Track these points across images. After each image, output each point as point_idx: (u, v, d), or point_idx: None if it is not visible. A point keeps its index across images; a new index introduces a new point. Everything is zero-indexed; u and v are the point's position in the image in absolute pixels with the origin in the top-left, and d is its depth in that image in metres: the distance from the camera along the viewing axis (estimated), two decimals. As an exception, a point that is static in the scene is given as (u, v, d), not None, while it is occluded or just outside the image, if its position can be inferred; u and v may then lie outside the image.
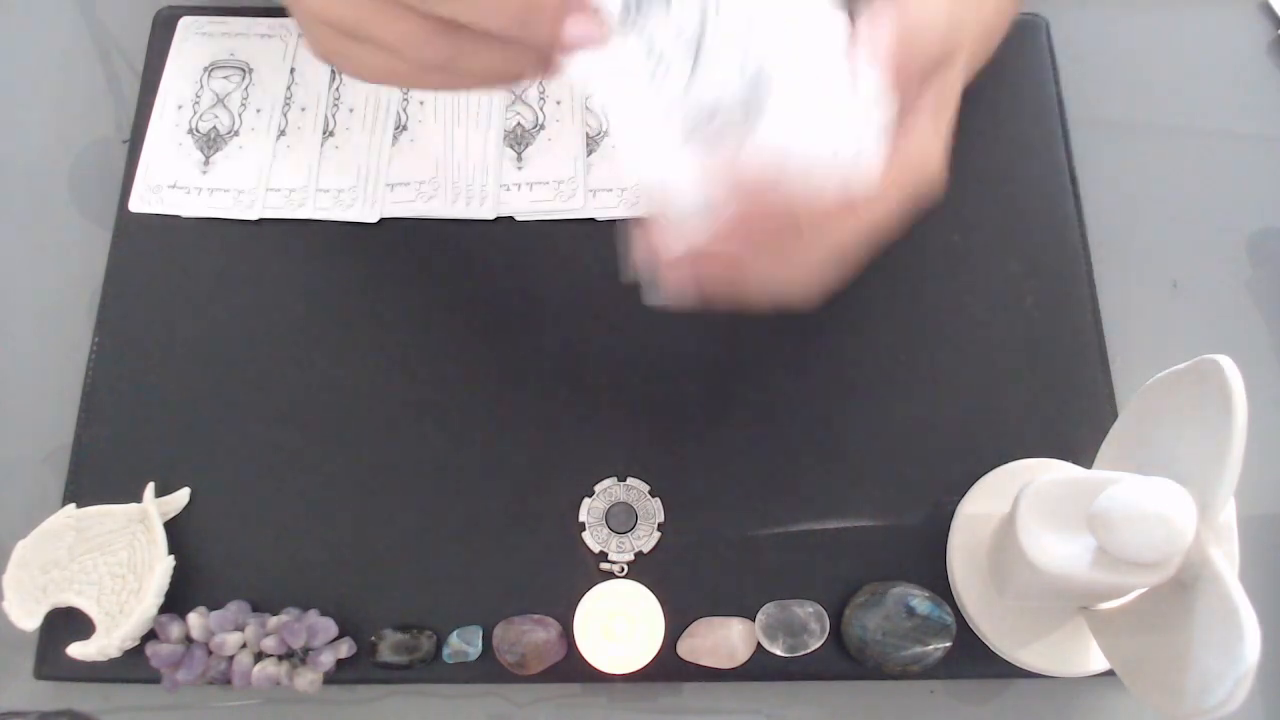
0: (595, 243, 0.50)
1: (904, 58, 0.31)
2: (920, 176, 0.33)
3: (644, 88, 0.29)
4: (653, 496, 0.46)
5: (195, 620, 0.43)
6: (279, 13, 0.56)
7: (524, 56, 0.32)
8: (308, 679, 0.42)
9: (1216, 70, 0.57)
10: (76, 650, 0.42)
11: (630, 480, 0.46)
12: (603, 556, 0.45)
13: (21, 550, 0.44)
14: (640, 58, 0.29)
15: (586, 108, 0.53)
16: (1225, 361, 0.34)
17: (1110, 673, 0.41)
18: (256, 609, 0.44)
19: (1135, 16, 0.58)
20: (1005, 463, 0.46)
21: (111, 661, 0.43)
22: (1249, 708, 0.44)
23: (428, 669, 0.43)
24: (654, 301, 0.34)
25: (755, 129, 0.30)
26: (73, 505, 0.45)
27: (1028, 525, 0.38)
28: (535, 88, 0.54)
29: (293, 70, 0.54)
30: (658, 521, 0.45)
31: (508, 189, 0.51)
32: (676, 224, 0.32)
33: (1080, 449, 0.45)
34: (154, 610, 0.43)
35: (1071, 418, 0.48)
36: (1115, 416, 0.46)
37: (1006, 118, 0.54)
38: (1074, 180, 0.53)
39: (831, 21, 0.30)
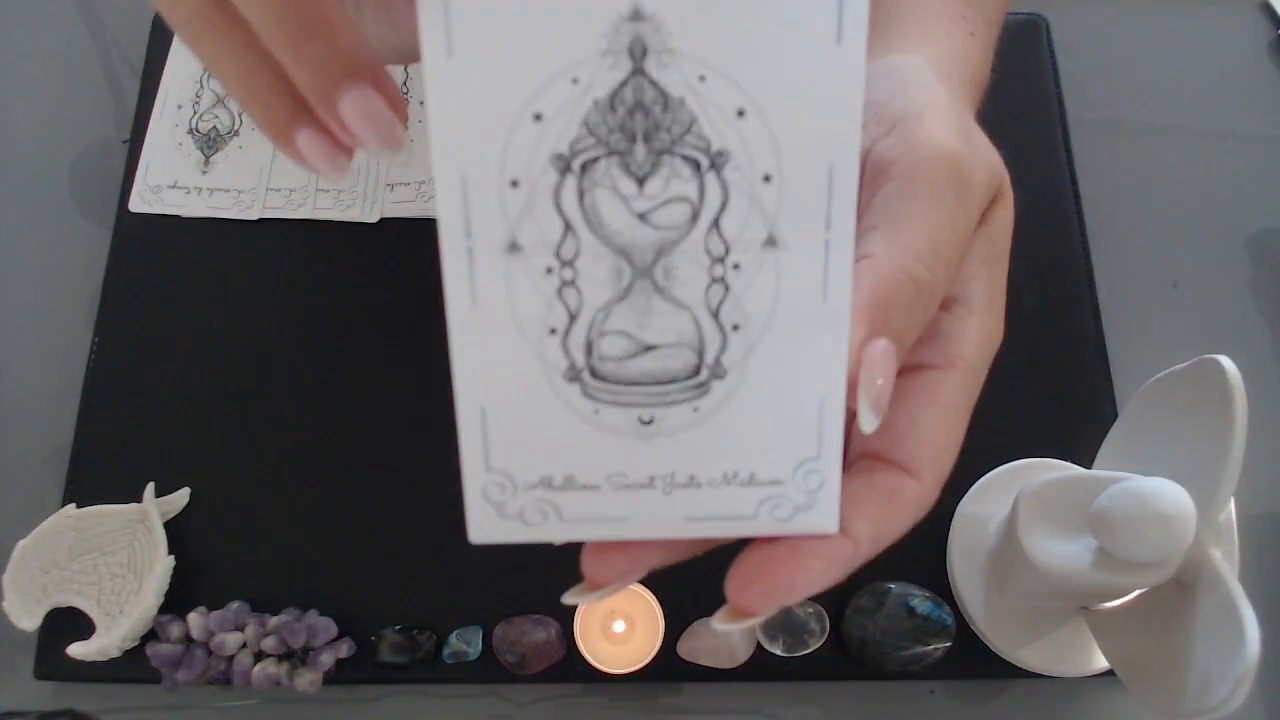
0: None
1: (890, 312, 0.22)
2: (990, 352, 0.26)
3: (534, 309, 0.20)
4: (653, 496, 0.46)
5: (195, 620, 0.43)
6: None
7: (285, 103, 0.22)
8: (308, 679, 0.42)
9: (1216, 70, 0.57)
10: (77, 650, 0.42)
11: (630, 480, 0.46)
12: (603, 556, 0.45)
13: (22, 550, 0.44)
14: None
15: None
16: (1225, 361, 0.34)
17: (1110, 673, 0.41)
18: (256, 609, 0.44)
19: (1135, 16, 0.58)
20: (1005, 463, 0.46)
21: (111, 661, 0.43)
22: (1249, 708, 0.44)
23: (428, 669, 0.43)
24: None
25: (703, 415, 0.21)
26: (73, 505, 0.45)
27: (1028, 525, 0.37)
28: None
29: (293, 70, 0.54)
30: (658, 521, 0.45)
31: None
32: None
33: (1080, 449, 0.45)
34: (154, 610, 0.43)
35: (1071, 417, 0.48)
36: (1115, 416, 0.46)
37: (1006, 118, 0.53)
38: (1074, 180, 0.53)
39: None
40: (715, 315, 0.20)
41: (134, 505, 0.45)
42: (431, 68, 0.18)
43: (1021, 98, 0.54)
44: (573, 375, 0.21)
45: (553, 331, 0.20)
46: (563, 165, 0.19)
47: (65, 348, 0.50)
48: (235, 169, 0.52)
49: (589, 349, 0.20)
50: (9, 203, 0.54)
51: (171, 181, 0.52)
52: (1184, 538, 0.34)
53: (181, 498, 0.46)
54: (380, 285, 0.50)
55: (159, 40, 0.55)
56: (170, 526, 0.45)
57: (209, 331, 0.49)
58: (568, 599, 0.23)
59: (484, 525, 0.22)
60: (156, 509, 0.45)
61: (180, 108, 0.53)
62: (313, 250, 0.51)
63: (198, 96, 0.54)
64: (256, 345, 0.49)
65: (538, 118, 0.19)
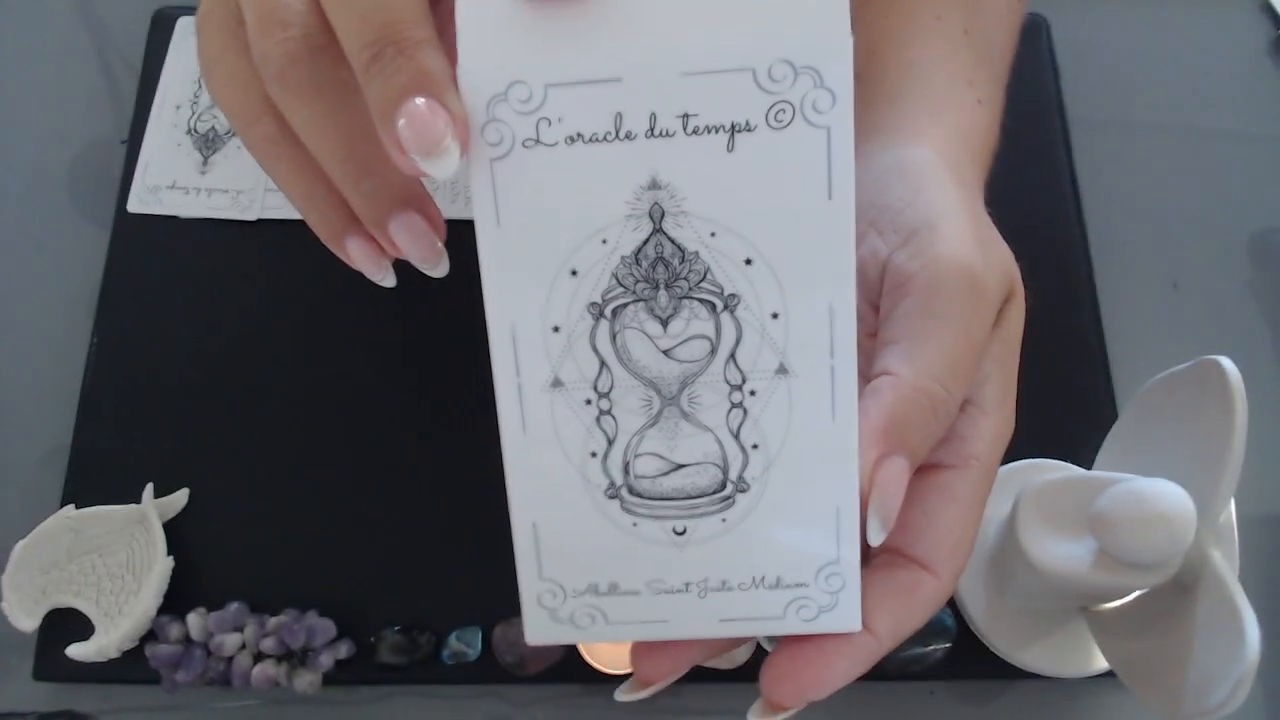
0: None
1: (905, 429, 0.24)
2: (1002, 448, 0.27)
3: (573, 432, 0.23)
4: (652, 497, 0.46)
5: (194, 621, 0.43)
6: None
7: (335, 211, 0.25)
8: (306, 680, 0.42)
9: (1217, 70, 0.57)
10: (76, 651, 0.42)
11: (630, 481, 0.46)
12: (602, 557, 0.45)
13: (20, 551, 0.43)
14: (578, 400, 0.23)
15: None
16: (1226, 362, 0.34)
17: (1111, 674, 0.41)
18: (255, 609, 0.44)
19: (1135, 16, 0.58)
20: (1005, 463, 0.46)
21: (110, 662, 0.43)
22: (1249, 709, 0.44)
23: (427, 670, 0.43)
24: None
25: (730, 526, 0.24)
26: (71, 506, 0.45)
27: (1028, 526, 0.37)
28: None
29: (292, 70, 0.54)
30: (657, 522, 0.45)
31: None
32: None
33: (1081, 449, 0.45)
34: (153, 611, 0.43)
35: (1072, 418, 0.47)
36: (1115, 417, 0.46)
37: (1007, 118, 0.54)
38: (1074, 180, 0.53)
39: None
40: (736, 436, 0.23)
41: (133, 506, 0.45)
42: (483, 234, 0.22)
43: (1022, 98, 0.54)
44: (612, 493, 0.23)
45: (593, 455, 0.23)
46: (597, 312, 0.22)
47: (64, 348, 0.49)
48: (234, 169, 0.52)
49: (626, 469, 0.23)
50: (8, 203, 0.54)
51: (170, 182, 0.52)
52: (1184, 539, 0.34)
53: (180, 499, 0.46)
54: (379, 286, 0.50)
55: (157, 40, 0.55)
56: (169, 527, 0.45)
57: (208, 332, 0.49)
58: (620, 696, 0.26)
59: (539, 628, 0.25)
60: (155, 510, 0.45)
61: (179, 108, 0.53)
62: (312, 250, 0.50)
63: (196, 97, 0.53)
64: (255, 346, 0.49)
65: (574, 273, 0.22)
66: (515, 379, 0.23)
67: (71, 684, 0.44)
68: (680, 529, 0.24)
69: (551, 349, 0.23)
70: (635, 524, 0.24)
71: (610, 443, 0.23)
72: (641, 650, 0.25)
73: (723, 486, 0.23)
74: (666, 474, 0.23)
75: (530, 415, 0.23)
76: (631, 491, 0.23)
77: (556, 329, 0.23)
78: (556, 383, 0.23)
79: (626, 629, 0.25)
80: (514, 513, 0.24)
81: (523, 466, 0.24)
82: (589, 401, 0.23)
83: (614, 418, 0.23)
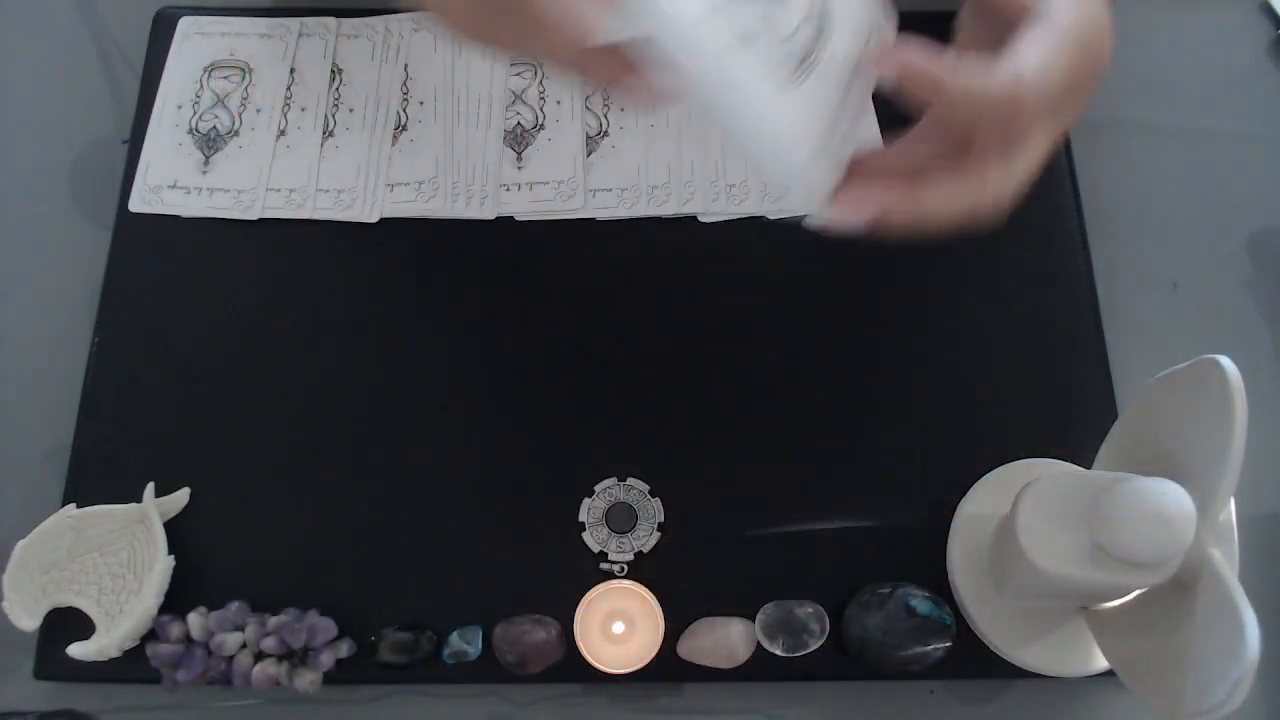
0: (595, 243, 0.50)
1: None
2: (1097, 49, 0.37)
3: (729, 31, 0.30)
4: (653, 496, 0.46)
5: (195, 620, 0.43)
6: (279, 13, 0.56)
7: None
8: (307, 679, 0.42)
9: (1216, 71, 0.57)
10: (76, 650, 0.42)
11: (630, 480, 0.46)
12: (602, 556, 0.45)
13: (21, 550, 0.44)
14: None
15: (586, 108, 0.53)
16: (1225, 361, 0.34)
17: (1110, 673, 0.41)
18: (256, 609, 0.44)
19: (1135, 16, 0.58)
20: (1005, 463, 0.46)
21: (111, 661, 0.43)
22: (1249, 708, 0.44)
23: (427, 669, 0.43)
24: (817, 224, 0.34)
25: (828, 43, 0.32)
26: (73, 505, 0.45)
27: (1028, 525, 0.37)
28: (535, 87, 0.54)
29: (292, 70, 0.54)
30: (658, 521, 0.45)
31: (507, 189, 0.51)
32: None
33: (1080, 449, 0.45)
34: (154, 610, 0.43)
35: (1071, 417, 0.48)
36: (1115, 416, 0.46)
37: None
38: (1074, 180, 0.53)
39: None
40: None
41: (134, 505, 0.45)
42: None
43: (1021, 98, 0.54)
44: (800, 69, 0.31)
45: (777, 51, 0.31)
46: None
47: (65, 348, 0.50)
48: (235, 169, 0.52)
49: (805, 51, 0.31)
50: (9, 203, 0.54)
51: (171, 181, 0.52)
52: (1184, 538, 0.34)
53: (181, 498, 0.46)
54: (380, 285, 0.50)
55: (159, 40, 0.55)
56: (170, 526, 0.45)
57: (209, 332, 0.49)
58: (810, 224, 0.34)
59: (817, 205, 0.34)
60: (156, 509, 0.45)
61: (180, 108, 0.53)
62: (313, 250, 0.51)
63: (197, 96, 0.54)
64: (256, 345, 0.49)
65: None
66: (712, 56, 0.29)
67: (72, 683, 0.44)
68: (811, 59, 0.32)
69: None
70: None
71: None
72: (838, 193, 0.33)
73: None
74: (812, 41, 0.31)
75: (713, 79, 0.30)
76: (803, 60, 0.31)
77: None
78: (744, 36, 0.29)
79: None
80: (759, 150, 0.31)
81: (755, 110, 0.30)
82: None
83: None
